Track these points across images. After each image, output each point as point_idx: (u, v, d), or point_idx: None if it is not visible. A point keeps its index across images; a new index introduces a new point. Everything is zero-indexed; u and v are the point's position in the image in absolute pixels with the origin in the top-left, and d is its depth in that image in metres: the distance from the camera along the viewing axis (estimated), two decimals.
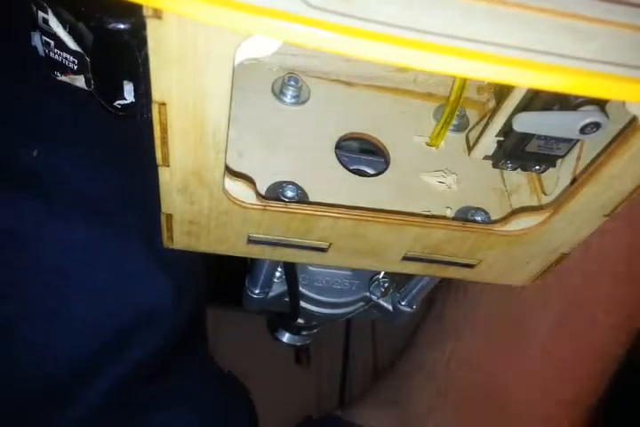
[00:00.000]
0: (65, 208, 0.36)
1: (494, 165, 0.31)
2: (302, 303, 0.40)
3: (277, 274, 0.39)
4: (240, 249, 0.28)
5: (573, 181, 0.27)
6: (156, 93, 0.19)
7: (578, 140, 0.27)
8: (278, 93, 0.31)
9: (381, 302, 0.41)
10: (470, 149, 0.32)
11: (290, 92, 0.31)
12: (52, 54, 0.31)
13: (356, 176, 0.30)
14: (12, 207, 0.35)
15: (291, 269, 0.37)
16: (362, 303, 0.41)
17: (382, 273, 0.40)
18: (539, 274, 0.30)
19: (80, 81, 0.32)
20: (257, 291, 0.39)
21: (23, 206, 0.35)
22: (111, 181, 0.38)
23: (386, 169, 0.30)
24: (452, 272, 0.30)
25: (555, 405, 0.45)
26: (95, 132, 0.39)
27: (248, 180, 0.26)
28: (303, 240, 0.27)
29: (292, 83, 0.31)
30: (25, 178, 0.36)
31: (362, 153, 0.33)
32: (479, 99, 0.34)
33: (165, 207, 0.25)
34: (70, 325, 0.36)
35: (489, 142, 0.30)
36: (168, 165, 0.23)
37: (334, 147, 0.30)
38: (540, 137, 0.27)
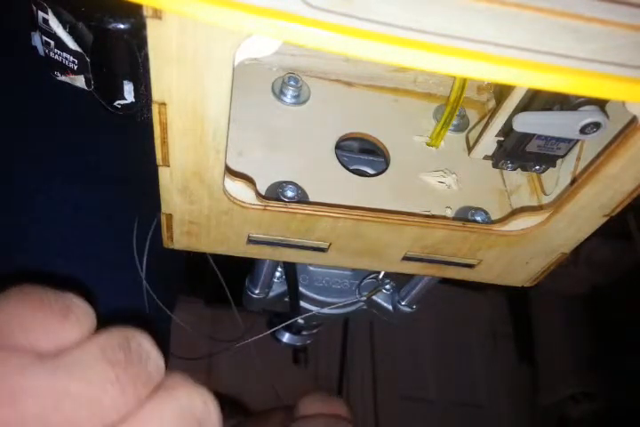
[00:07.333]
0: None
1: (494, 165, 0.31)
2: (302, 303, 0.40)
3: (277, 274, 0.39)
4: (240, 249, 0.28)
5: (573, 181, 0.27)
6: (156, 93, 0.19)
7: (578, 141, 0.27)
8: (278, 93, 0.31)
9: (381, 301, 0.41)
10: (470, 149, 0.32)
11: (290, 92, 0.31)
12: (52, 54, 0.31)
13: (356, 176, 0.30)
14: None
15: (291, 270, 0.37)
16: (361, 303, 0.41)
17: (382, 273, 0.40)
18: (539, 274, 0.30)
19: (80, 81, 0.32)
20: (257, 291, 0.39)
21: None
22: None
23: (386, 169, 0.30)
24: (451, 272, 0.30)
25: None
26: (94, 131, 0.39)
27: (248, 180, 0.26)
28: (303, 240, 0.27)
29: (292, 83, 0.31)
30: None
31: (362, 153, 0.33)
32: (479, 99, 0.34)
33: (165, 207, 0.25)
34: None
35: (489, 142, 0.30)
36: (168, 165, 0.23)
37: (334, 147, 0.30)
38: (540, 137, 0.27)
